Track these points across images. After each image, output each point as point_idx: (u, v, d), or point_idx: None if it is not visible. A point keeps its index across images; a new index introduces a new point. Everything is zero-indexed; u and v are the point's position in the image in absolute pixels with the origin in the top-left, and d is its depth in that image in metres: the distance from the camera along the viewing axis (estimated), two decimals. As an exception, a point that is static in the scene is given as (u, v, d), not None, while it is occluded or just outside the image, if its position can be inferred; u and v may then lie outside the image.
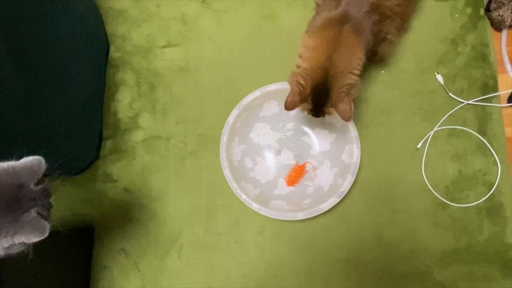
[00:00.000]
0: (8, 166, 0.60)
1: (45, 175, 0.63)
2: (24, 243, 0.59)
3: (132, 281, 1.17)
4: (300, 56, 0.92)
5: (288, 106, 0.92)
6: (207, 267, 1.17)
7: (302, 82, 0.89)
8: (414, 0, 1.12)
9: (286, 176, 1.20)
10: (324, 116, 0.95)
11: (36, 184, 0.61)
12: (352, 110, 0.90)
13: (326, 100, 0.89)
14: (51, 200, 0.64)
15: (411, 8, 1.14)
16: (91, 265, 1.19)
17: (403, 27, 1.08)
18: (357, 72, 0.90)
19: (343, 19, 0.90)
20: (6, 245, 0.57)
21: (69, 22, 1.12)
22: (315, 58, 0.88)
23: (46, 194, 0.63)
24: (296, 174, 1.19)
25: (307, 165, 1.20)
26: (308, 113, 0.97)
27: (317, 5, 1.03)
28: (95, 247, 1.20)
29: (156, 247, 1.19)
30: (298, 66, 0.92)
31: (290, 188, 1.19)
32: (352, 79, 0.90)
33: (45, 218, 0.61)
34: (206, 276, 1.17)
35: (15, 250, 0.60)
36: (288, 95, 0.91)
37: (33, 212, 0.59)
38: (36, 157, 0.62)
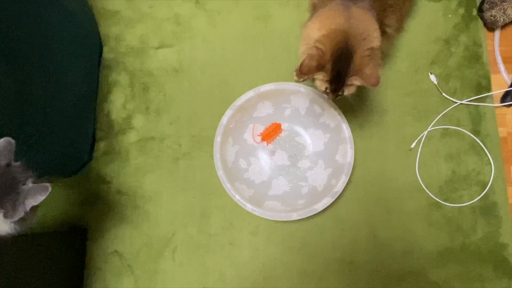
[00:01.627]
0: None
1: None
2: (34, 208, 0.68)
3: (125, 282, 1.17)
4: (311, 30, 0.82)
5: (304, 70, 0.79)
6: (201, 268, 1.17)
7: (320, 46, 0.79)
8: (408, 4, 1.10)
9: (261, 132, 1.21)
10: (342, 94, 0.84)
11: (15, 161, 0.69)
12: (378, 74, 0.79)
13: (348, 67, 0.79)
14: (31, 172, 0.72)
15: (405, 14, 1.10)
16: (85, 266, 1.18)
17: (401, 24, 1.07)
18: (377, 36, 0.81)
19: (348, 5, 0.82)
20: (22, 214, 0.67)
21: (61, 23, 1.11)
22: (332, 22, 0.79)
23: (25, 168, 0.71)
24: (270, 132, 1.20)
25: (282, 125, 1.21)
26: (324, 90, 0.85)
27: (313, 6, 0.99)
28: (88, 249, 1.19)
29: (149, 249, 1.18)
30: (310, 37, 0.82)
31: (285, 188, 1.19)
32: (374, 43, 0.81)
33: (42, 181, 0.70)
34: (200, 277, 1.16)
35: (29, 221, 0.70)
36: (305, 58, 0.79)
37: (29, 182, 0.69)
38: (4, 138, 0.68)
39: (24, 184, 0.68)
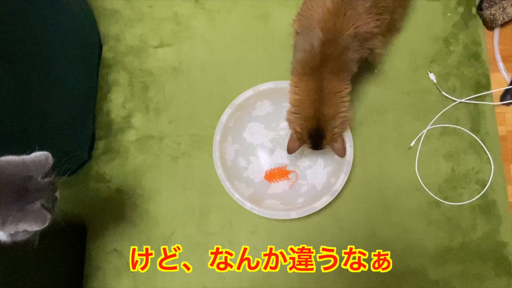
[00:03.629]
0: (19, 159, 0.65)
1: (53, 169, 0.69)
2: (27, 231, 0.65)
3: (124, 281, 1.17)
4: (292, 103, 0.99)
5: (291, 151, 1.03)
6: (200, 267, 1.17)
7: (299, 129, 0.98)
8: (398, 13, 1.10)
9: (269, 170, 1.20)
10: (323, 148, 1.02)
11: (43, 177, 0.66)
12: (345, 147, 1.01)
13: (322, 139, 0.98)
14: (57, 193, 0.70)
15: (394, 24, 1.13)
16: (84, 265, 1.18)
17: (393, 31, 1.08)
18: (345, 109, 0.97)
19: (323, 62, 0.92)
20: (11, 231, 0.63)
21: (60, 22, 1.12)
22: (305, 110, 0.96)
23: (53, 187, 0.68)
24: (279, 174, 1.19)
25: (291, 174, 1.19)
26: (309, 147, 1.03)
27: (296, 33, 1.02)
28: (88, 248, 1.19)
29: (148, 247, 1.18)
30: (291, 111, 0.99)
31: (284, 187, 1.19)
32: (342, 117, 0.96)
33: (49, 209, 0.67)
34: (199, 276, 1.16)
35: (20, 238, 0.66)
36: (289, 141, 1.02)
37: (38, 203, 0.65)
38: (45, 152, 0.67)
39: (30, 203, 0.64)
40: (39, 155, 0.66)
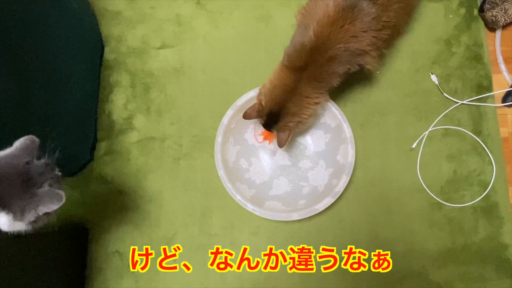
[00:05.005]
0: (9, 151, 0.67)
1: (41, 151, 0.70)
2: (47, 214, 0.67)
3: (126, 282, 1.17)
4: (270, 82, 1.00)
5: (245, 116, 1.06)
6: (202, 268, 1.17)
7: (263, 104, 1.00)
8: (400, 26, 1.04)
9: (263, 131, 1.20)
10: (271, 131, 1.06)
11: (38, 159, 0.68)
12: (287, 141, 1.04)
13: (274, 123, 1.01)
14: (57, 171, 0.71)
15: (395, 37, 1.07)
16: (86, 267, 1.18)
17: (396, 35, 1.06)
18: (308, 114, 1.00)
19: (306, 64, 0.92)
20: (32, 219, 0.65)
21: (63, 23, 1.12)
22: (275, 94, 0.98)
23: (51, 167, 0.69)
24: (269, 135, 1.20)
25: None
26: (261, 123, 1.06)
27: (297, 23, 1.02)
28: (89, 249, 1.19)
29: (151, 249, 1.18)
30: (266, 88, 1.01)
31: (285, 188, 1.19)
32: (301, 117, 1.00)
33: (58, 187, 0.68)
34: (200, 277, 1.16)
35: (41, 222, 0.68)
36: (250, 107, 1.05)
37: (46, 185, 0.66)
38: (27, 136, 0.68)
39: (40, 187, 0.66)
40: (25, 139, 0.67)
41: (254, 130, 1.21)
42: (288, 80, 0.96)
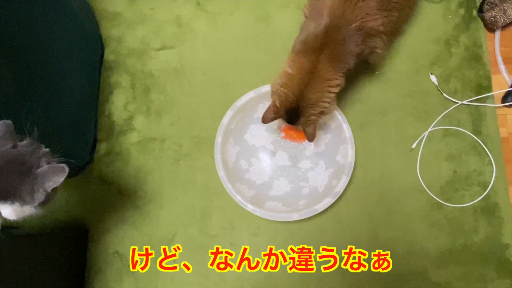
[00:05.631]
0: None
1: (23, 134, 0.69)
2: (55, 189, 0.67)
3: (126, 283, 1.17)
4: (282, 76, 0.97)
5: (264, 121, 1.02)
6: (202, 269, 1.16)
7: (277, 104, 0.97)
8: (406, 12, 1.10)
9: (288, 126, 1.15)
10: (295, 125, 1.01)
11: (20, 141, 0.67)
12: (315, 134, 1.01)
13: (297, 120, 0.98)
14: (44, 148, 0.70)
15: (400, 23, 1.13)
16: (86, 267, 1.18)
17: (395, 34, 1.08)
18: (329, 100, 0.96)
19: (322, 46, 0.92)
20: (42, 197, 0.65)
21: (63, 24, 1.12)
22: (290, 87, 0.95)
23: (36, 145, 0.68)
24: (296, 133, 1.18)
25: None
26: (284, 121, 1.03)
27: (305, 17, 1.03)
28: (89, 250, 1.19)
29: (150, 249, 1.18)
30: (278, 84, 0.97)
31: (285, 189, 1.19)
32: (323, 106, 0.96)
33: (56, 161, 0.68)
34: (200, 278, 1.16)
35: (51, 198, 0.68)
36: (266, 111, 1.01)
37: (43, 162, 0.66)
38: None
39: (38, 167, 0.65)
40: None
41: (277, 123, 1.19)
42: (305, 64, 0.93)
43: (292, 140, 1.21)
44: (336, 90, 0.96)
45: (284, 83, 0.96)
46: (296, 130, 1.18)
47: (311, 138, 1.01)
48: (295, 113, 0.96)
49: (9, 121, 0.66)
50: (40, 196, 0.65)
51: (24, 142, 0.67)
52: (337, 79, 0.95)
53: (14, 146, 0.65)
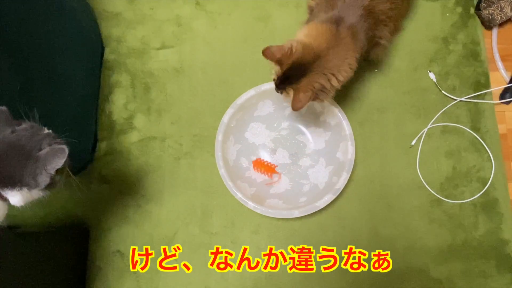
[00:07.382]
0: None
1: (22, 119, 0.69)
2: (59, 171, 0.66)
3: (127, 282, 1.16)
4: (306, 29, 0.90)
5: (266, 53, 0.87)
6: (203, 267, 1.16)
7: (293, 49, 0.85)
8: (407, 2, 1.13)
9: (260, 160, 1.20)
10: (281, 93, 0.92)
11: (18, 125, 0.66)
12: (304, 105, 0.88)
13: (294, 80, 0.87)
14: (45, 130, 0.69)
15: (404, 11, 1.15)
16: (86, 266, 1.18)
17: (396, 29, 1.09)
18: (342, 77, 0.89)
19: (340, 22, 0.92)
20: (47, 180, 0.65)
21: (63, 24, 1.13)
22: (317, 40, 0.86)
23: (35, 128, 0.68)
24: (265, 168, 1.19)
25: (275, 175, 1.19)
26: (273, 79, 0.92)
27: (310, 9, 1.03)
28: (90, 249, 1.19)
29: (151, 248, 1.18)
30: (304, 34, 0.89)
31: (286, 186, 1.19)
32: (330, 82, 0.88)
33: (58, 143, 0.68)
34: (202, 276, 1.16)
35: (58, 184, 0.68)
36: (275, 46, 0.87)
37: (45, 145, 0.65)
38: None
39: (40, 150, 0.65)
40: None
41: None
42: (331, 29, 0.88)
43: (260, 170, 1.20)
44: (355, 65, 0.91)
45: (312, 35, 0.87)
46: (265, 165, 1.19)
47: (299, 105, 0.87)
48: (299, 71, 0.85)
49: (4, 107, 0.66)
50: (44, 179, 0.64)
51: (23, 126, 0.67)
52: (353, 56, 0.90)
53: (13, 132, 0.64)
